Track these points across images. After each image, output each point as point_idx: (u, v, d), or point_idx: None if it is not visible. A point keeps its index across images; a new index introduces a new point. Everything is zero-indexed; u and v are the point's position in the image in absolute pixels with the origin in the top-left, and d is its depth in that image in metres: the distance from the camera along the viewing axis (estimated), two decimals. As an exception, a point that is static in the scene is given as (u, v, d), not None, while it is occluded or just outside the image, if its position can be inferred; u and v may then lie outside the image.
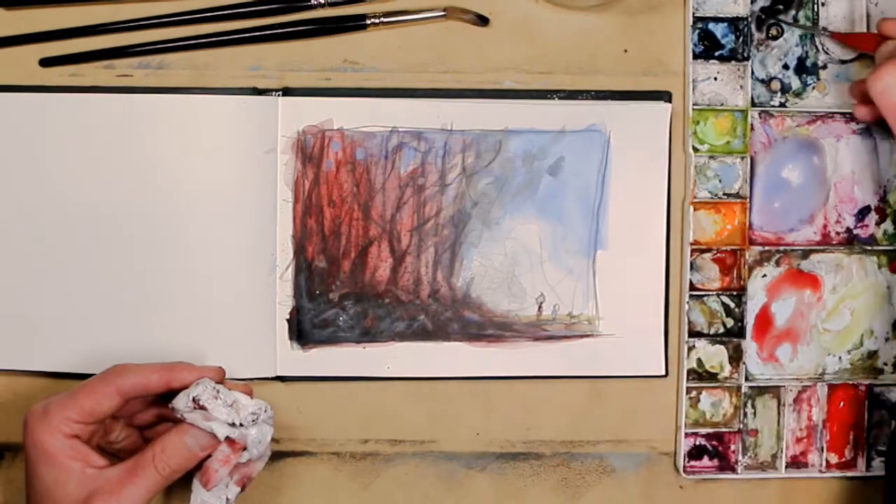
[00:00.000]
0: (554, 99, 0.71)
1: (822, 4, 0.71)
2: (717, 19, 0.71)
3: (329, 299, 0.70)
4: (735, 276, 0.71)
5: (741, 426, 0.72)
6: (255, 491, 0.68)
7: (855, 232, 0.72)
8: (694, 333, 0.71)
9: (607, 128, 0.70)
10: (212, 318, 0.69)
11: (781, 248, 0.72)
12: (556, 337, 0.71)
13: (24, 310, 0.69)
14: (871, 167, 0.72)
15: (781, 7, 0.71)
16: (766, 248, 0.72)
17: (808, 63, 0.71)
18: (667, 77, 0.71)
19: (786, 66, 0.71)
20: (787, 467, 0.72)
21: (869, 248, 0.72)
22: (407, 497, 0.71)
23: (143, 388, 0.62)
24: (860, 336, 0.72)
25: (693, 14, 0.71)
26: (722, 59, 0.71)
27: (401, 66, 0.70)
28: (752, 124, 0.71)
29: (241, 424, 0.62)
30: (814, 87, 0.72)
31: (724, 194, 0.71)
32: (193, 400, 0.61)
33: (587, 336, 0.71)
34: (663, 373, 0.71)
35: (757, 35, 0.71)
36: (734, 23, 0.71)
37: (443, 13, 0.70)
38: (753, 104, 0.71)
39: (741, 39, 0.71)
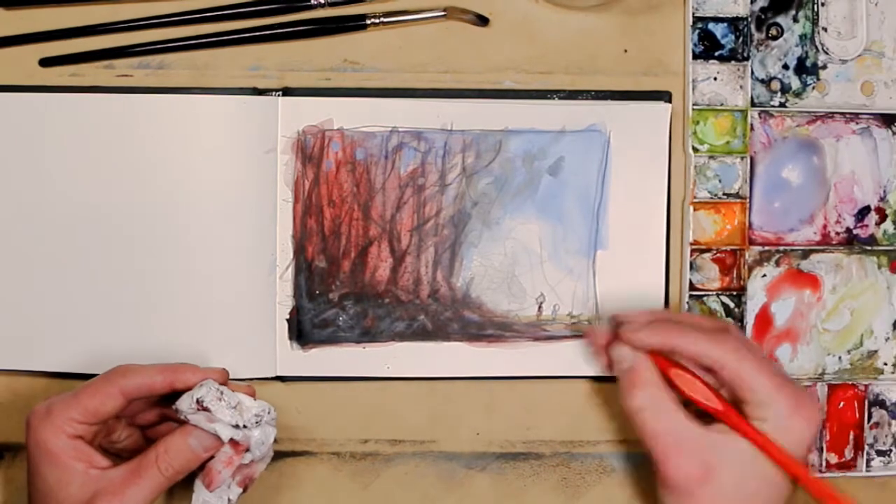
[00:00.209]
0: (554, 99, 0.71)
1: (822, 4, 0.71)
2: (716, 19, 0.71)
3: (329, 299, 0.70)
4: (735, 276, 0.71)
5: (741, 426, 0.72)
6: (255, 491, 0.68)
7: (855, 232, 0.72)
8: (694, 333, 0.71)
9: (607, 128, 0.70)
10: (212, 318, 0.69)
11: (781, 248, 0.72)
12: (556, 337, 0.71)
13: (24, 310, 0.69)
14: (871, 167, 0.72)
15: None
16: (766, 248, 0.72)
17: (808, 63, 0.72)
18: (667, 77, 0.71)
19: (786, 66, 0.72)
20: (786, 467, 0.72)
21: (869, 248, 0.72)
22: (407, 497, 0.71)
23: (147, 389, 0.62)
24: (860, 336, 0.72)
25: (693, 14, 0.71)
26: (722, 59, 0.71)
27: (401, 66, 0.70)
28: (751, 124, 0.71)
29: (244, 426, 0.62)
30: (814, 87, 0.72)
31: (724, 194, 0.71)
32: (197, 401, 0.62)
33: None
34: (663, 372, 0.72)
35: (757, 35, 0.71)
36: (734, 23, 0.71)
37: (443, 13, 0.70)
38: (753, 104, 0.71)
39: (741, 39, 0.71)
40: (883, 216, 0.72)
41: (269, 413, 0.63)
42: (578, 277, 0.71)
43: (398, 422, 0.71)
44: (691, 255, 0.71)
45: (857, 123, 0.72)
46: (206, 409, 0.61)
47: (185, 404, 0.62)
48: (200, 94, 0.69)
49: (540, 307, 0.71)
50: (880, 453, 0.73)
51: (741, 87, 0.71)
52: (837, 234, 0.72)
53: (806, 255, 0.72)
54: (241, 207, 0.69)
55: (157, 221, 0.69)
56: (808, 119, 0.72)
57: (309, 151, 0.69)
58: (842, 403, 0.72)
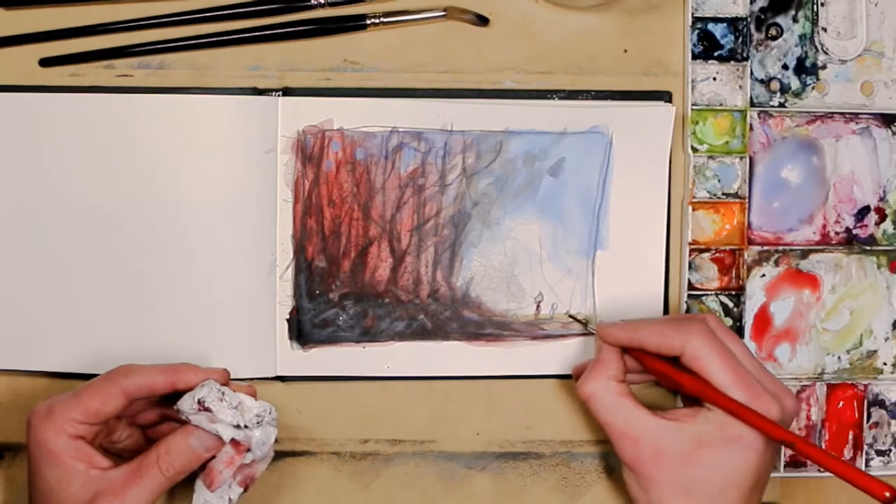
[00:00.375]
0: (554, 99, 0.71)
1: (822, 4, 0.71)
2: (716, 19, 0.71)
3: (329, 299, 0.70)
4: (734, 275, 0.71)
5: (740, 426, 0.72)
6: (255, 491, 0.68)
7: (854, 232, 0.72)
8: (693, 333, 0.71)
9: (610, 129, 0.70)
10: (212, 318, 0.69)
11: (780, 247, 0.72)
12: (554, 336, 0.71)
13: (24, 310, 0.69)
14: (870, 167, 0.72)
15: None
16: (765, 247, 0.72)
17: (808, 63, 0.72)
18: (667, 77, 0.71)
19: (785, 67, 0.72)
20: (785, 467, 0.72)
21: (868, 248, 0.72)
22: (407, 497, 0.72)
23: (148, 389, 0.62)
24: (859, 336, 0.72)
25: (692, 14, 0.71)
26: (721, 59, 0.71)
27: (401, 66, 0.70)
28: (751, 124, 0.71)
29: (245, 426, 0.62)
30: (813, 88, 0.72)
31: (723, 194, 0.71)
32: (198, 402, 0.62)
33: (586, 335, 0.71)
34: (663, 372, 0.72)
35: (756, 35, 0.71)
36: (733, 23, 0.71)
37: (443, 13, 0.70)
38: (752, 104, 0.71)
39: (740, 40, 0.71)
40: (882, 216, 0.72)
41: (270, 413, 0.63)
42: (577, 277, 0.71)
43: (398, 422, 0.71)
44: (690, 255, 0.71)
45: (856, 123, 0.72)
46: (207, 410, 0.61)
47: (186, 405, 0.62)
48: (200, 94, 0.69)
49: (538, 306, 0.71)
50: (880, 453, 0.73)
51: (740, 87, 0.71)
52: (837, 234, 0.72)
53: (805, 254, 0.72)
54: (241, 207, 0.69)
55: (157, 221, 0.69)
56: (807, 119, 0.72)
57: (309, 151, 0.69)
58: (841, 403, 0.72)
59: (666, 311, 0.71)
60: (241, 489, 0.64)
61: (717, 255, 0.71)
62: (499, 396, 0.72)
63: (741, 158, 0.71)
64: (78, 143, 0.68)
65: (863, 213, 0.72)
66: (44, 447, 0.60)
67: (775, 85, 0.72)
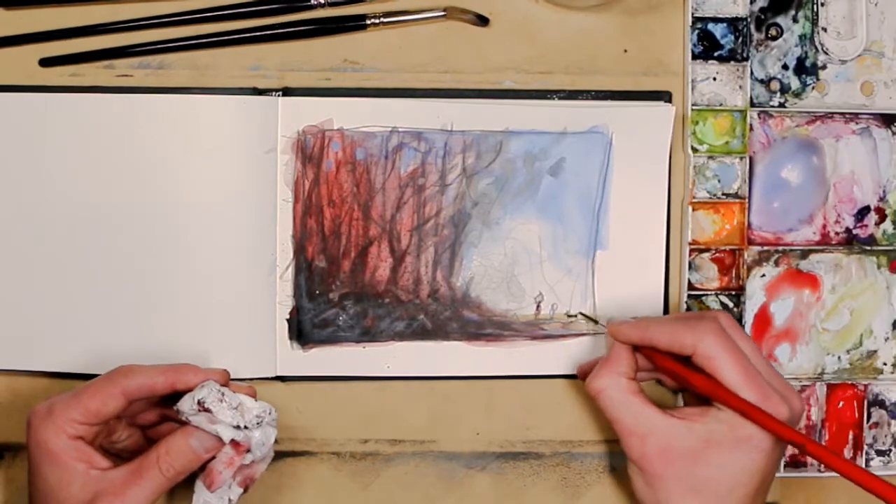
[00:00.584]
0: (554, 99, 0.71)
1: (822, 4, 0.71)
2: (716, 19, 0.71)
3: (329, 299, 0.70)
4: (734, 275, 0.72)
5: (740, 425, 0.72)
6: (255, 491, 0.68)
7: (854, 232, 0.72)
8: (693, 333, 0.71)
9: (610, 129, 0.70)
10: (212, 318, 0.69)
11: (780, 248, 0.72)
12: (554, 336, 0.71)
13: (24, 310, 0.69)
14: (870, 167, 0.72)
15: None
16: (765, 247, 0.72)
17: (808, 63, 0.72)
18: (667, 77, 0.71)
19: (785, 67, 0.72)
20: (785, 467, 0.72)
21: (868, 248, 0.72)
22: (407, 497, 0.72)
23: (149, 389, 0.62)
24: (859, 336, 0.72)
25: (692, 14, 0.71)
26: (721, 59, 0.71)
27: (401, 66, 0.70)
28: (751, 124, 0.71)
29: (245, 427, 0.62)
30: (813, 88, 0.72)
31: (723, 194, 0.71)
32: (198, 403, 0.62)
33: (585, 335, 0.71)
34: (663, 372, 0.72)
35: (756, 35, 0.71)
36: (733, 23, 0.71)
37: (443, 13, 0.70)
38: (752, 104, 0.71)
39: (740, 40, 0.71)
40: (882, 216, 0.72)
41: (269, 414, 0.63)
42: (577, 277, 0.71)
43: (398, 422, 0.71)
44: (690, 255, 0.71)
45: (856, 123, 0.72)
46: (207, 410, 0.62)
47: (186, 405, 0.62)
48: (200, 94, 0.69)
49: (538, 306, 0.71)
50: (880, 453, 0.73)
51: (740, 87, 0.71)
52: (837, 234, 0.72)
53: (805, 254, 0.72)
54: (241, 207, 0.69)
55: (157, 221, 0.69)
56: (807, 119, 0.72)
57: (309, 151, 0.69)
58: (841, 403, 0.72)
59: (666, 310, 0.71)
60: (241, 490, 0.64)
61: (717, 255, 0.71)
62: (499, 396, 0.72)
63: (741, 158, 0.71)
64: (78, 143, 0.68)
65: (863, 213, 0.72)
66: (44, 447, 0.60)
67: (775, 85, 0.72)
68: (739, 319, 0.71)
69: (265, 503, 0.71)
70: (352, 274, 0.70)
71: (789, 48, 0.72)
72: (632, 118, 0.70)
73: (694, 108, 0.71)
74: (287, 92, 0.69)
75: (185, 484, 0.63)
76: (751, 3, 0.71)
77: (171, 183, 0.69)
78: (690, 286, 0.71)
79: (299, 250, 0.70)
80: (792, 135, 0.72)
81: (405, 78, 0.70)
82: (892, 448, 0.73)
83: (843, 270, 0.72)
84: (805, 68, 0.72)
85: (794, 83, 0.72)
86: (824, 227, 0.72)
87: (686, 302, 0.71)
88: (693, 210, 0.71)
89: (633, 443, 0.64)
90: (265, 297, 0.70)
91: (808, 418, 0.72)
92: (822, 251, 0.72)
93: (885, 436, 0.73)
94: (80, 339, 0.69)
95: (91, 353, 0.69)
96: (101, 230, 0.69)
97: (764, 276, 0.72)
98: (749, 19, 0.71)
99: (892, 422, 0.73)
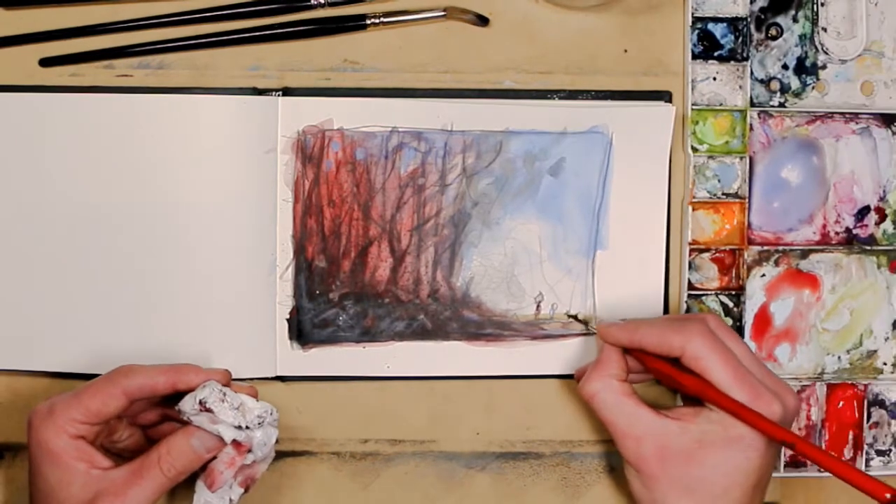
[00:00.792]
0: (554, 99, 0.71)
1: (822, 4, 0.71)
2: (716, 19, 0.71)
3: (329, 299, 0.70)
4: (734, 275, 0.72)
5: (740, 425, 0.72)
6: (255, 491, 0.68)
7: (854, 232, 0.72)
8: (693, 333, 0.71)
9: (610, 129, 0.70)
10: (212, 318, 0.69)
11: (780, 247, 0.72)
12: (554, 336, 0.71)
13: (24, 310, 0.69)
14: (870, 167, 0.72)
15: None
16: (765, 247, 0.72)
17: (808, 63, 0.72)
18: (667, 77, 0.71)
19: (785, 67, 0.72)
20: (785, 467, 0.72)
21: (868, 248, 0.72)
22: (407, 497, 0.72)
23: (150, 389, 0.62)
24: (859, 336, 0.72)
25: (692, 14, 0.71)
26: (721, 59, 0.71)
27: (401, 66, 0.70)
28: (751, 124, 0.71)
29: (247, 427, 0.62)
30: (813, 87, 0.72)
31: (723, 194, 0.71)
32: (200, 403, 0.62)
33: (585, 335, 0.71)
34: (663, 372, 0.72)
35: (756, 35, 0.71)
36: (733, 23, 0.71)
37: (443, 13, 0.70)
38: (752, 104, 0.71)
39: (740, 39, 0.71)
40: (882, 216, 0.72)
41: (271, 414, 0.63)
42: (577, 277, 0.71)
43: (398, 422, 0.71)
44: (690, 255, 0.71)
45: (856, 123, 0.72)
46: (208, 411, 0.61)
47: (188, 405, 0.62)
48: (200, 94, 0.69)
49: (538, 306, 0.71)
50: (880, 453, 0.73)
51: (740, 87, 0.71)
52: (837, 233, 0.72)
53: (805, 254, 0.72)
54: (241, 207, 0.69)
55: (157, 221, 0.69)
56: (807, 119, 0.72)
57: (309, 151, 0.69)
58: (841, 403, 0.72)
59: (666, 310, 0.71)
60: (242, 490, 0.64)
61: (717, 255, 0.71)
62: (499, 396, 0.72)
63: (741, 158, 0.71)
64: (78, 143, 0.68)
65: (863, 213, 0.72)
66: (45, 447, 0.60)
67: (775, 85, 0.72)
68: (739, 319, 0.71)
69: (265, 503, 0.71)
70: (352, 274, 0.70)
71: (789, 48, 0.72)
72: (632, 118, 0.70)
73: (694, 107, 0.71)
74: (287, 92, 0.69)
75: (186, 484, 0.63)
76: (751, 3, 0.71)
77: (171, 183, 0.69)
78: (690, 286, 0.71)
79: (299, 250, 0.70)
80: (792, 135, 0.72)
81: (405, 78, 0.70)
82: (892, 448, 0.73)
83: (843, 270, 0.72)
84: (805, 68, 0.72)
85: (794, 83, 0.72)
86: (824, 226, 0.72)
87: (686, 302, 0.71)
88: (693, 210, 0.71)
89: (629, 445, 0.64)
90: (265, 297, 0.70)
91: (809, 418, 0.72)
92: (822, 251, 0.72)
93: (885, 436, 0.73)
94: (80, 339, 0.69)
95: (91, 353, 0.69)
96: (101, 230, 0.69)
97: (764, 276, 0.72)
98: (749, 19, 0.71)
99: (892, 422, 0.73)
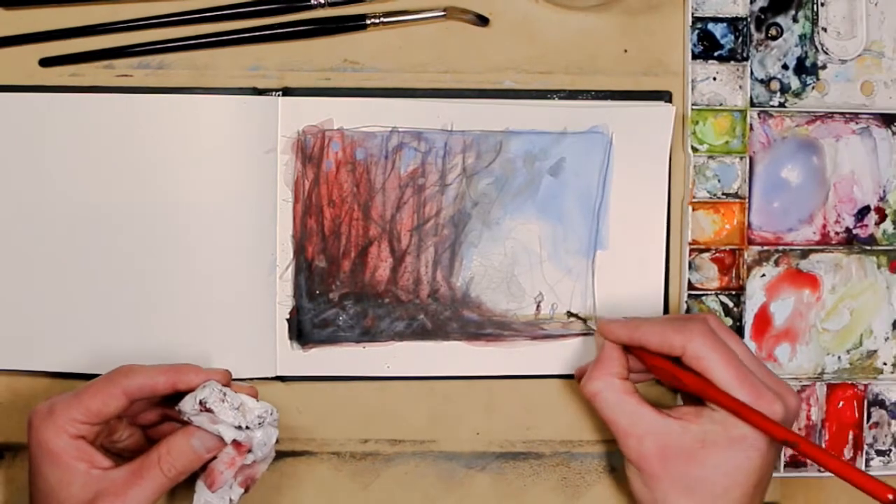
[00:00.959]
0: (554, 99, 0.71)
1: (822, 4, 0.71)
2: (716, 19, 0.71)
3: (329, 299, 0.70)
4: (734, 275, 0.72)
5: (740, 425, 0.72)
6: (255, 491, 0.68)
7: (854, 232, 0.72)
8: (693, 333, 0.71)
9: (610, 129, 0.70)
10: (212, 318, 0.69)
11: (780, 247, 0.72)
12: (554, 336, 0.71)
13: (24, 310, 0.69)
14: (870, 167, 0.72)
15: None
16: (765, 247, 0.72)
17: (808, 63, 0.72)
18: (667, 77, 0.71)
19: (785, 67, 0.72)
20: (785, 467, 0.72)
21: (868, 248, 0.72)
22: (407, 497, 0.72)
23: (150, 389, 0.62)
24: (859, 336, 0.72)
25: (692, 14, 0.71)
26: (721, 59, 0.71)
27: (401, 66, 0.70)
28: (751, 124, 0.71)
29: (247, 427, 0.62)
30: (813, 87, 0.72)
31: (723, 194, 0.71)
32: (200, 403, 0.62)
33: (585, 335, 0.71)
34: (663, 372, 0.72)
35: (756, 35, 0.71)
36: (733, 23, 0.71)
37: (443, 13, 0.70)
38: (752, 104, 0.71)
39: (740, 39, 0.71)
40: (882, 216, 0.72)
41: (271, 414, 0.63)
42: (577, 277, 0.71)
43: (398, 422, 0.71)
44: (690, 255, 0.71)
45: (856, 123, 0.72)
46: (209, 411, 0.61)
47: (188, 405, 0.62)
48: (200, 94, 0.69)
49: (538, 306, 0.71)
50: (880, 453, 0.73)
51: (740, 87, 0.71)
52: (837, 233, 0.72)
53: (805, 254, 0.72)
54: (241, 207, 0.69)
55: (157, 221, 0.69)
56: (807, 119, 0.72)
57: (309, 151, 0.69)
58: (841, 403, 0.72)
59: (666, 311, 0.71)
60: (242, 490, 0.64)
61: (717, 255, 0.71)
62: (499, 396, 0.72)
63: (741, 158, 0.71)
64: (78, 143, 0.68)
65: (863, 213, 0.72)
66: (45, 447, 0.60)
67: (775, 85, 0.72)
68: (739, 319, 0.71)
69: (265, 503, 0.71)
70: (352, 274, 0.70)
71: (789, 48, 0.72)
72: (632, 118, 0.70)
73: (694, 107, 0.71)
74: (287, 92, 0.69)
75: (186, 484, 0.63)
76: (751, 3, 0.71)
77: (171, 183, 0.69)
78: (690, 286, 0.71)
79: (299, 250, 0.70)
80: (792, 135, 0.72)
81: (405, 78, 0.70)
82: (892, 448, 0.73)
83: (843, 270, 0.72)
84: (805, 68, 0.72)
85: (794, 83, 0.72)
86: (824, 226, 0.72)
87: (686, 302, 0.71)
88: (693, 210, 0.71)
89: (631, 444, 0.64)
90: (265, 297, 0.70)
91: (809, 418, 0.72)
92: (822, 251, 0.72)
93: (886, 436, 0.73)
94: (80, 339, 0.69)
95: (91, 353, 0.69)
96: (101, 230, 0.69)
97: (764, 275, 0.72)
98: (749, 19, 0.71)
99: (892, 422, 0.73)
